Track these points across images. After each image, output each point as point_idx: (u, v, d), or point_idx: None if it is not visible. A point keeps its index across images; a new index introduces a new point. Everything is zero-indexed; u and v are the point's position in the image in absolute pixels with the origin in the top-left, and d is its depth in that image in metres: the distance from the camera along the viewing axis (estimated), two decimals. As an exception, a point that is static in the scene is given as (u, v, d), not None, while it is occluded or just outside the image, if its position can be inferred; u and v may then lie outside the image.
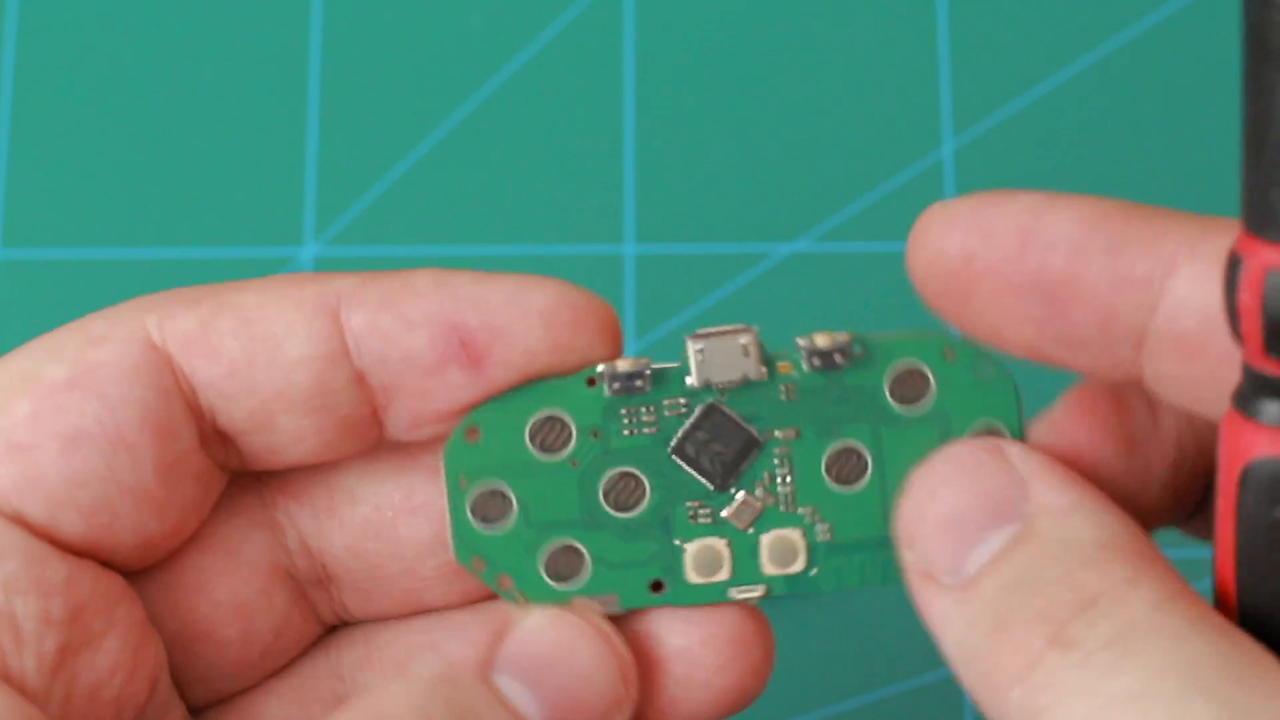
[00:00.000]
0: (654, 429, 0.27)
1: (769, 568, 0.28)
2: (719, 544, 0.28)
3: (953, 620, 0.25)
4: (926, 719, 0.47)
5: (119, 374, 0.26)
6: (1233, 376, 0.25)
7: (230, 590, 0.28)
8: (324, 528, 0.28)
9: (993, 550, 0.25)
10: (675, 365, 0.27)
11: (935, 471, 0.27)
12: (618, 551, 0.27)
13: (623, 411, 0.27)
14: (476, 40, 0.51)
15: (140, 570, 0.27)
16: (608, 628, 0.27)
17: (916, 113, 0.50)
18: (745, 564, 0.28)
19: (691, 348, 0.27)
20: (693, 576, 0.27)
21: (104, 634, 0.26)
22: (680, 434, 0.27)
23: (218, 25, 0.51)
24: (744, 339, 0.27)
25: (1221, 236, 0.25)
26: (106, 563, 0.26)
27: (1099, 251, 0.25)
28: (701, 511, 0.28)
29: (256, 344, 0.26)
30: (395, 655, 0.29)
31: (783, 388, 0.27)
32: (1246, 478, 0.24)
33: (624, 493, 0.27)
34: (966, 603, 0.25)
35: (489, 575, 0.27)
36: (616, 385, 0.27)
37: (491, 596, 0.29)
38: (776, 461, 0.28)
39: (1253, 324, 0.23)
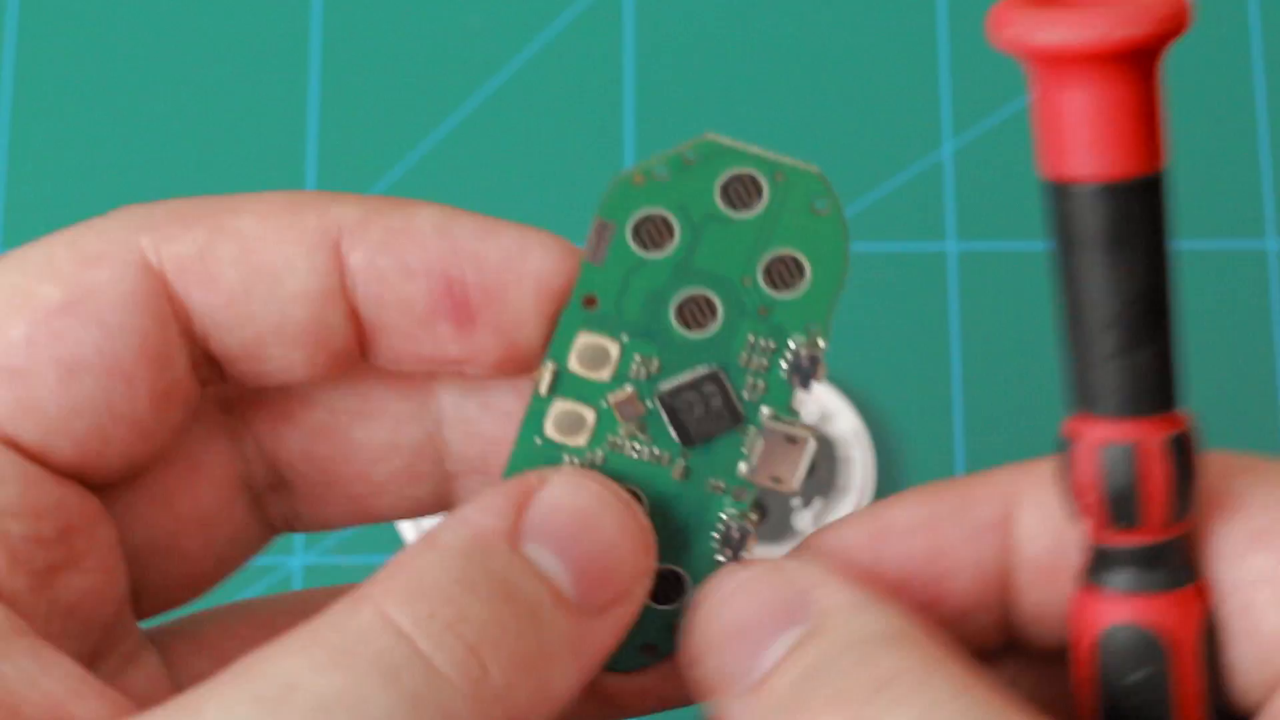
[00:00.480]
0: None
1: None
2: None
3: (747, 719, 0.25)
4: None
5: (117, 299, 0.25)
6: None
7: (193, 502, 0.28)
8: (280, 431, 0.28)
9: (783, 649, 0.25)
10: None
11: (717, 591, 0.26)
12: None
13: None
14: (476, 40, 0.51)
15: (112, 486, 0.27)
16: (628, 496, 0.27)
17: (916, 113, 0.50)
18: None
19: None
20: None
21: (85, 554, 0.26)
22: (675, 384, 0.28)
23: (218, 25, 0.51)
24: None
25: (1050, 462, 0.26)
26: (88, 484, 0.26)
27: (948, 516, 0.26)
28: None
29: (255, 275, 0.26)
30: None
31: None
32: (1104, 646, 0.24)
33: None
34: (760, 701, 0.25)
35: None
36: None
37: (436, 510, 0.29)
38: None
39: (1093, 498, 0.24)
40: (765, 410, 0.28)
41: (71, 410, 0.25)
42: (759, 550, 0.48)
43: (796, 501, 0.46)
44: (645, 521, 0.27)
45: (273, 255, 0.26)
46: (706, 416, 0.28)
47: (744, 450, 0.28)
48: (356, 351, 0.27)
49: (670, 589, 0.28)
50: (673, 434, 0.28)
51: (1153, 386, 0.23)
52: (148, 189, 0.49)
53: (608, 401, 0.27)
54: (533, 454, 0.28)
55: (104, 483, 0.26)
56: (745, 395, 0.28)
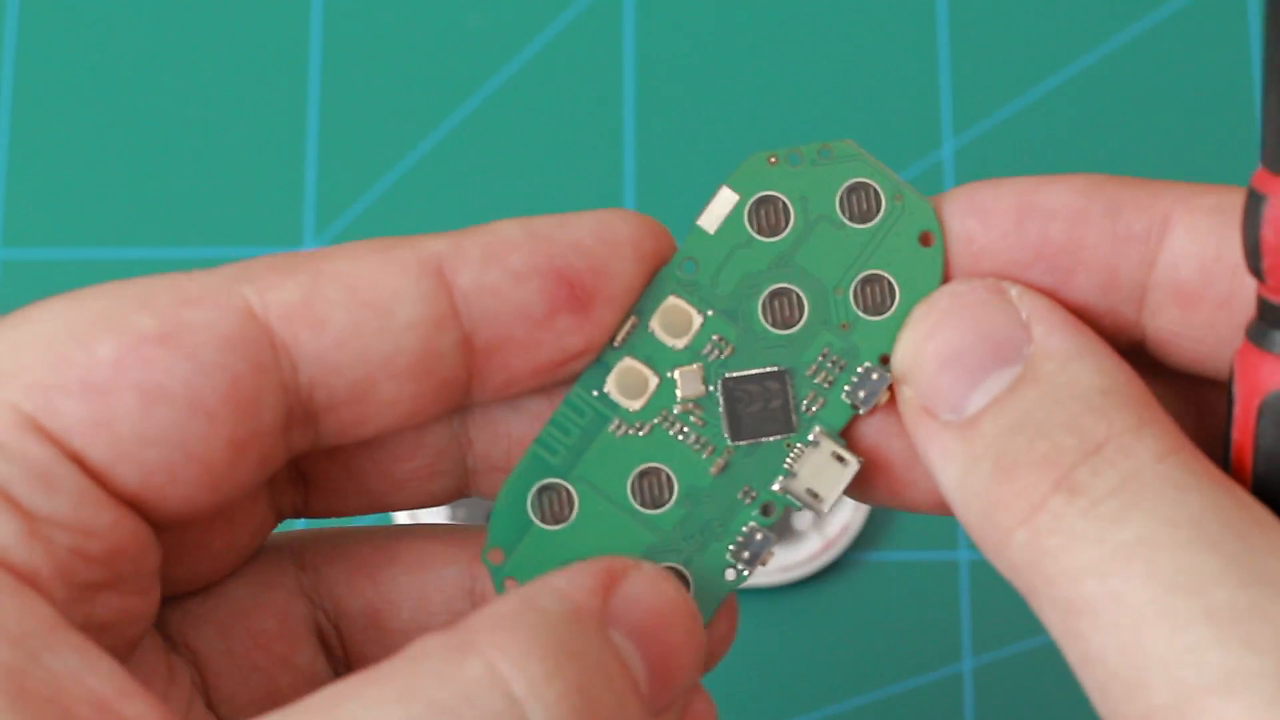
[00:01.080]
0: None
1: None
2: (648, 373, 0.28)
3: (953, 458, 0.25)
4: (926, 719, 0.47)
5: (213, 338, 0.25)
6: (1230, 321, 0.26)
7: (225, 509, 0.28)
8: (309, 435, 0.28)
9: (994, 391, 0.25)
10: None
11: (936, 308, 0.27)
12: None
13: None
14: (476, 40, 0.51)
15: (168, 528, 0.26)
16: (694, 604, 0.27)
17: (916, 113, 0.50)
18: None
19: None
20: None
21: (127, 579, 0.25)
22: (740, 374, 0.28)
23: (218, 25, 0.51)
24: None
25: (1212, 194, 0.26)
26: (147, 517, 0.26)
27: (1097, 215, 0.26)
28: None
29: (366, 311, 0.25)
30: (362, 553, 0.29)
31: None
32: (1265, 409, 0.24)
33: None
34: (968, 441, 0.25)
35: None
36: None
37: (449, 501, 0.29)
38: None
39: (1277, 259, 0.23)
40: (818, 428, 0.28)
41: (144, 438, 0.25)
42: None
43: (797, 501, 0.46)
44: (703, 629, 0.27)
45: (379, 290, 0.26)
46: (762, 415, 0.28)
47: (785, 465, 0.28)
48: (464, 383, 0.27)
49: None
50: (724, 424, 0.28)
51: None
52: (148, 189, 0.49)
53: (674, 372, 0.28)
54: (584, 405, 0.28)
55: (162, 520, 0.26)
56: (804, 407, 0.28)
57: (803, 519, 0.46)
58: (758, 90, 0.50)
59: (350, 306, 0.25)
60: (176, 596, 0.28)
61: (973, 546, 0.47)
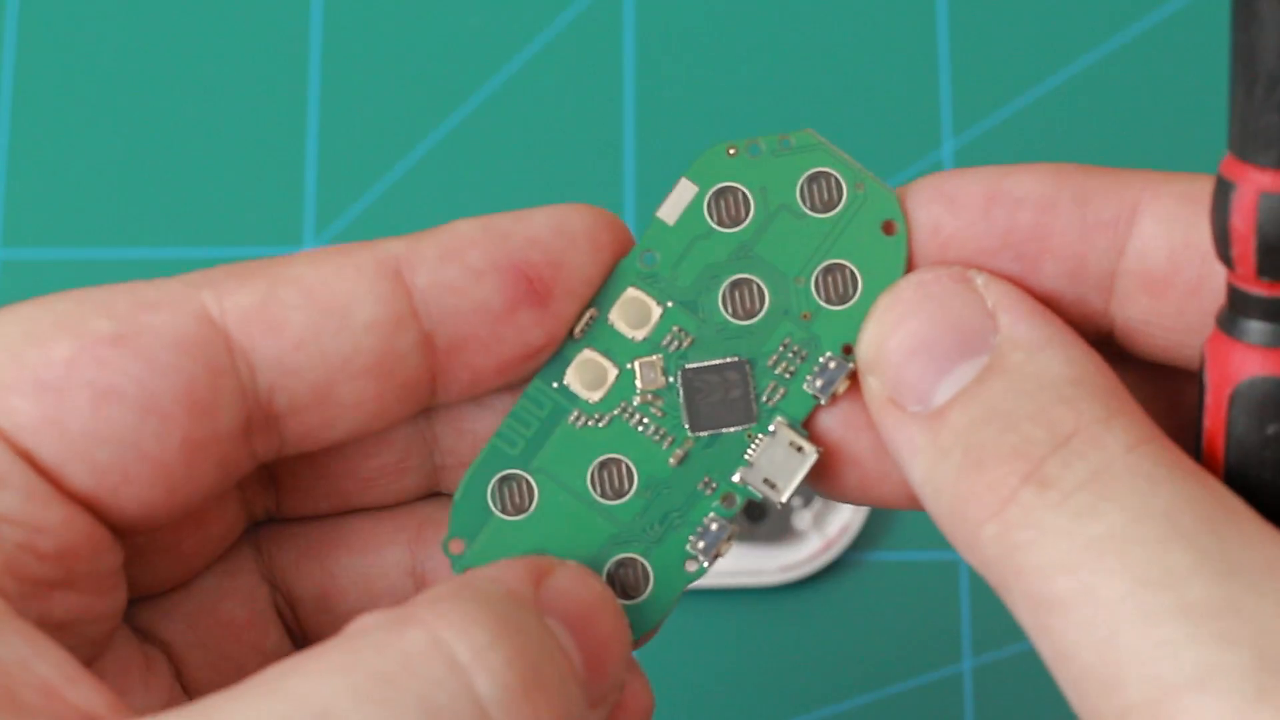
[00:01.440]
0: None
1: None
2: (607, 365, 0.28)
3: (921, 450, 0.25)
4: (926, 719, 0.47)
5: (169, 341, 0.25)
6: (1199, 308, 0.25)
7: (199, 520, 0.28)
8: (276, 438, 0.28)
9: (961, 382, 0.25)
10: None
11: (901, 298, 0.26)
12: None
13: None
14: (476, 40, 0.51)
15: (129, 533, 0.26)
16: (618, 602, 0.27)
17: (916, 113, 0.50)
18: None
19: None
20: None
21: (83, 577, 0.25)
22: (700, 365, 0.28)
23: (218, 25, 0.51)
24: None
25: (1180, 182, 0.26)
26: (104, 519, 0.26)
27: (1066, 203, 0.26)
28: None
29: (323, 314, 0.26)
30: (321, 548, 0.29)
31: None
32: (1237, 397, 0.24)
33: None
34: (935, 433, 0.25)
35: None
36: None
37: (420, 497, 0.29)
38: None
39: (1246, 247, 0.23)
40: (779, 418, 0.28)
41: (96, 437, 0.25)
42: (759, 551, 0.48)
43: (797, 501, 0.46)
44: (630, 631, 0.27)
45: (337, 292, 0.26)
46: (721, 405, 0.28)
47: (746, 456, 0.28)
48: (428, 383, 0.27)
49: (631, 582, 0.28)
50: (684, 415, 0.28)
51: None
52: (148, 189, 0.49)
53: (633, 363, 0.28)
54: (543, 397, 0.28)
55: (120, 522, 0.26)
56: (764, 398, 0.28)
57: (803, 519, 0.46)
58: (757, 90, 0.50)
59: (307, 309, 0.26)
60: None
61: (973, 546, 0.47)
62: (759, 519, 0.46)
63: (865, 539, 0.47)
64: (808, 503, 0.46)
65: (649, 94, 0.50)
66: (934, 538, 0.47)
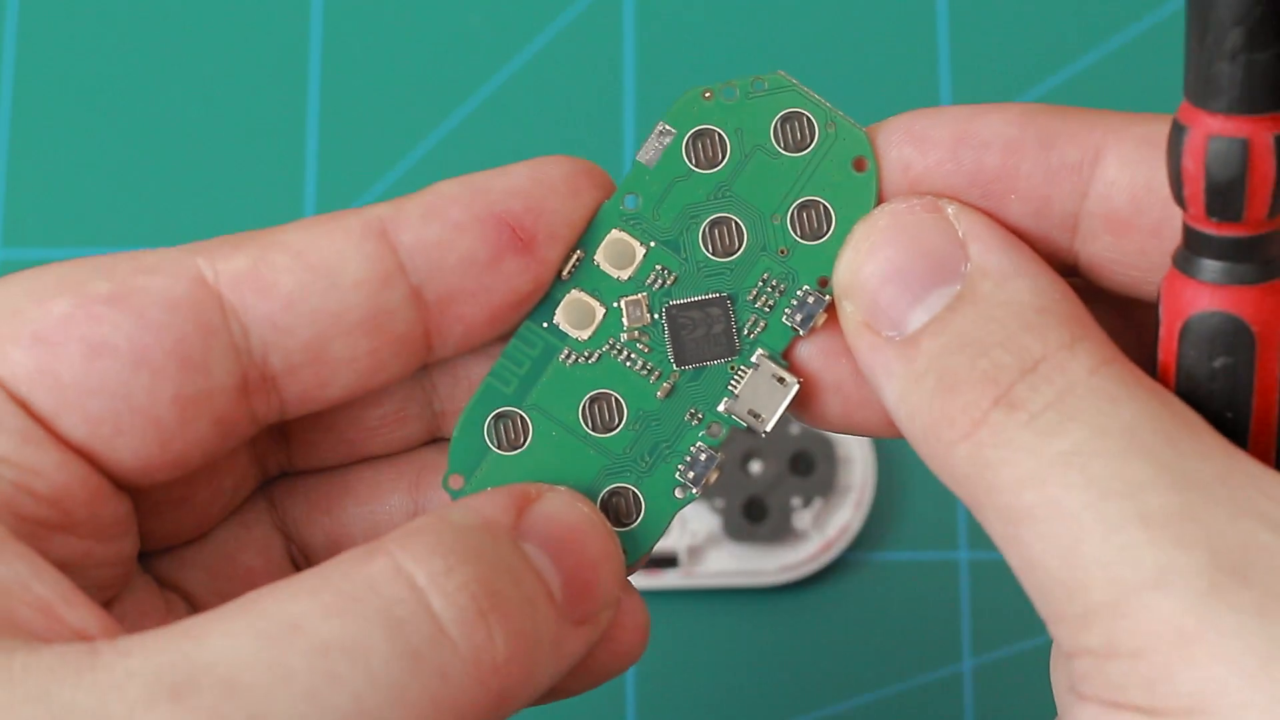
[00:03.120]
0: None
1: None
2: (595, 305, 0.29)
3: (896, 375, 0.26)
4: (926, 719, 0.47)
5: (162, 300, 0.26)
6: (1161, 248, 0.27)
7: (213, 472, 0.29)
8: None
9: (934, 310, 0.26)
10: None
11: (875, 226, 0.27)
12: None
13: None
14: (476, 40, 0.51)
15: (130, 487, 0.28)
16: (607, 523, 0.28)
17: (916, 113, 0.50)
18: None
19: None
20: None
21: (83, 522, 0.26)
22: (684, 301, 0.29)
23: (218, 25, 0.51)
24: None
25: (1143, 124, 0.27)
26: (98, 467, 0.27)
27: (1031, 145, 0.27)
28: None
29: (312, 274, 0.27)
30: (329, 498, 0.30)
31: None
32: (1187, 331, 0.25)
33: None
34: (909, 360, 0.26)
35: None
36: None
37: (424, 443, 0.30)
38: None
39: (1196, 187, 0.24)
40: (760, 350, 0.29)
41: (88, 389, 0.26)
42: (759, 551, 0.48)
43: (797, 501, 0.46)
44: (621, 553, 0.28)
45: (325, 253, 0.27)
46: (705, 339, 0.29)
47: (730, 387, 0.29)
48: (420, 341, 0.28)
49: (624, 510, 0.29)
50: (669, 350, 0.29)
51: (1271, 86, 0.24)
52: (148, 189, 0.49)
53: (619, 302, 0.29)
54: (535, 337, 0.29)
55: (119, 473, 0.27)
56: (746, 331, 0.29)
57: (803, 519, 0.46)
58: (758, 90, 0.50)
59: (297, 270, 0.27)
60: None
61: (973, 546, 0.47)
62: (759, 519, 0.46)
63: (865, 539, 0.47)
64: (808, 503, 0.46)
65: (649, 94, 0.50)
66: (934, 538, 0.47)
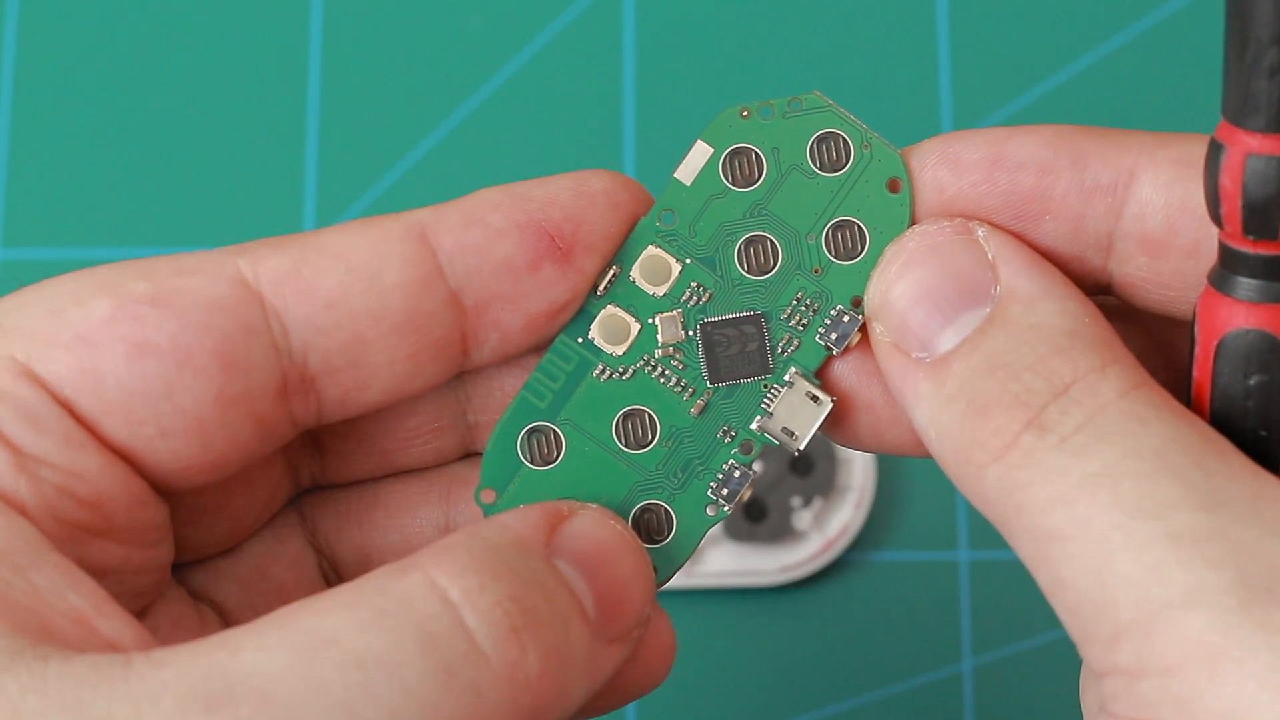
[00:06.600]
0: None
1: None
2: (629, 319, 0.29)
3: (926, 397, 0.27)
4: (926, 719, 0.47)
5: (203, 300, 0.26)
6: (1196, 269, 0.27)
7: (246, 474, 0.29)
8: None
9: (964, 332, 0.26)
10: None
11: (905, 248, 0.28)
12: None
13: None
14: (476, 40, 0.51)
15: (169, 491, 0.28)
16: (639, 542, 0.28)
17: (916, 112, 0.50)
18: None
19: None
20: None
21: (122, 528, 0.26)
22: (718, 319, 0.29)
23: (218, 26, 0.51)
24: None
25: (1178, 145, 0.27)
26: (139, 470, 0.27)
27: (1065, 167, 0.27)
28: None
29: (352, 275, 0.27)
30: (364, 509, 0.30)
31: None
32: (1223, 349, 0.25)
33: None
34: (940, 381, 0.26)
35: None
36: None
37: (458, 457, 0.30)
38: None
39: (1233, 205, 0.24)
40: (794, 369, 0.29)
41: (131, 390, 0.26)
42: (759, 551, 0.48)
43: (797, 501, 0.46)
44: (652, 571, 0.28)
45: (365, 256, 0.27)
46: (739, 357, 0.29)
47: (763, 405, 0.29)
48: (459, 343, 0.28)
49: (655, 526, 0.29)
50: (703, 367, 0.29)
51: None
52: (148, 189, 0.49)
53: (654, 318, 0.29)
54: (569, 352, 0.29)
55: (159, 476, 0.27)
56: (780, 349, 0.29)
57: (803, 519, 0.46)
58: (757, 90, 0.50)
59: (337, 272, 0.27)
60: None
61: (973, 546, 0.47)
62: (759, 519, 0.46)
63: (865, 539, 0.47)
64: (808, 503, 0.46)
65: (649, 94, 0.50)
66: (934, 538, 0.47)
